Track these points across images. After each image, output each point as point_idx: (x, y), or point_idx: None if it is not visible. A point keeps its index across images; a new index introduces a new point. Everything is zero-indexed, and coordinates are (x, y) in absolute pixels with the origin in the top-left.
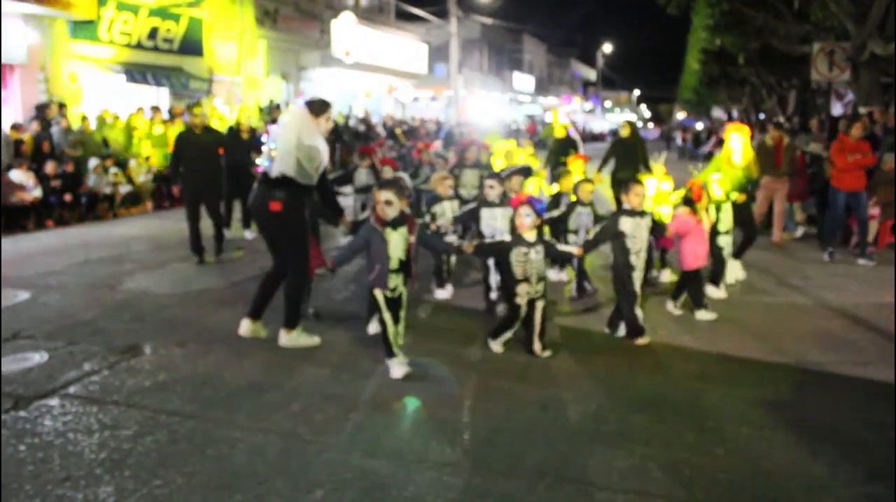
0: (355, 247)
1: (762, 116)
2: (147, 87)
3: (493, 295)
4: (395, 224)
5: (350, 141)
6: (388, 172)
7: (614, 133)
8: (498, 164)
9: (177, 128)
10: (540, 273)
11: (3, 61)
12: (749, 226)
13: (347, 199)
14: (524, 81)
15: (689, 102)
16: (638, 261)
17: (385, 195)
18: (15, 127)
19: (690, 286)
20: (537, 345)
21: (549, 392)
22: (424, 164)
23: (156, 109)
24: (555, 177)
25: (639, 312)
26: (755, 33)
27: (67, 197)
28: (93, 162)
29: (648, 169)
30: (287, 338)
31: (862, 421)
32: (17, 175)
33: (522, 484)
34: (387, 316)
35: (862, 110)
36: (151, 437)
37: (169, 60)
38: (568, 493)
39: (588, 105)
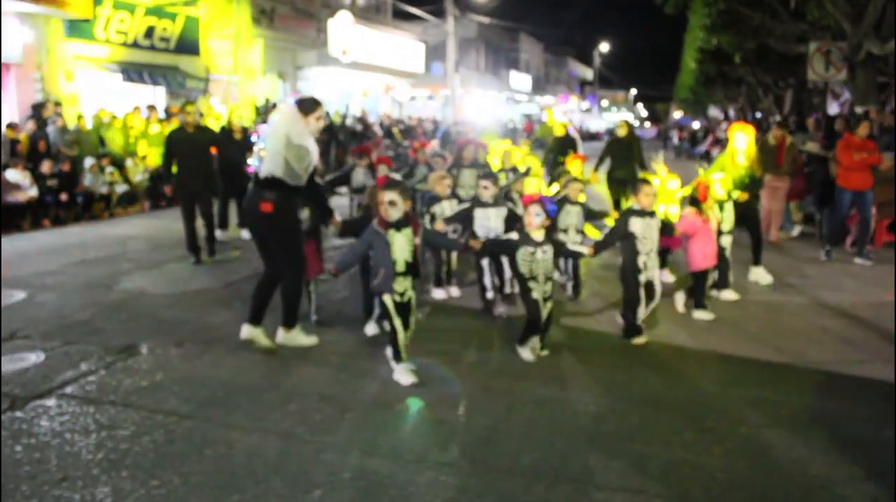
0: (358, 250)
1: (758, 115)
2: (143, 87)
3: (490, 294)
4: (398, 225)
5: (346, 140)
6: (383, 171)
7: (611, 132)
8: (494, 163)
9: (174, 128)
10: (547, 273)
11: None
12: (755, 227)
13: (342, 200)
14: (521, 80)
15: (685, 101)
16: (649, 261)
17: (389, 196)
18: (11, 126)
19: (699, 286)
20: (537, 344)
21: (548, 391)
22: (420, 164)
23: (152, 108)
24: (553, 177)
25: (641, 313)
26: (752, 33)
27: (63, 196)
28: (89, 161)
29: (644, 168)
30: (285, 337)
31: (860, 419)
32: (13, 174)
33: (521, 484)
34: (397, 322)
35: (858, 110)
36: (149, 438)
37: (165, 59)
38: (566, 493)
39: (585, 104)
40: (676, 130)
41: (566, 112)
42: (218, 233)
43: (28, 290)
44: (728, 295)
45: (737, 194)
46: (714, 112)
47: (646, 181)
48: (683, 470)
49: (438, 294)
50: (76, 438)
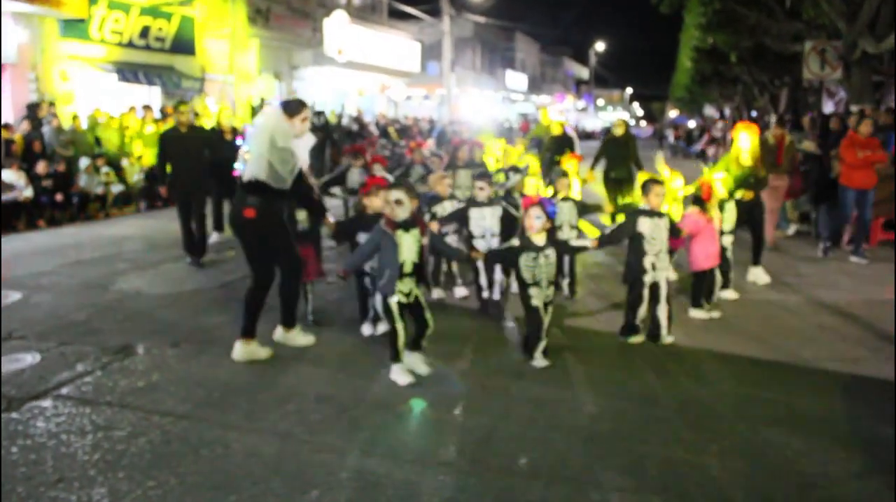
0: (365, 251)
1: (754, 114)
2: (139, 87)
3: (485, 294)
4: (406, 226)
5: (341, 140)
6: (378, 171)
7: (606, 131)
8: (491, 163)
9: (166, 128)
10: (550, 277)
11: None
12: (759, 227)
13: (334, 200)
14: (517, 80)
15: (681, 100)
16: (658, 262)
17: (395, 195)
18: (5, 126)
19: (698, 285)
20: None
21: (545, 391)
22: (416, 163)
23: (147, 108)
24: (551, 178)
25: (641, 313)
26: (747, 32)
27: (59, 197)
28: (84, 161)
29: (640, 167)
30: (283, 336)
31: (857, 417)
32: (8, 175)
33: (518, 483)
34: (399, 325)
35: (853, 108)
36: (145, 438)
37: (161, 59)
38: (564, 492)
39: (581, 103)
40: (672, 129)
41: (563, 111)
42: (214, 236)
43: (24, 291)
44: (728, 294)
45: (741, 193)
46: (710, 111)
47: (657, 181)
48: (681, 468)
49: (435, 294)
50: (72, 439)
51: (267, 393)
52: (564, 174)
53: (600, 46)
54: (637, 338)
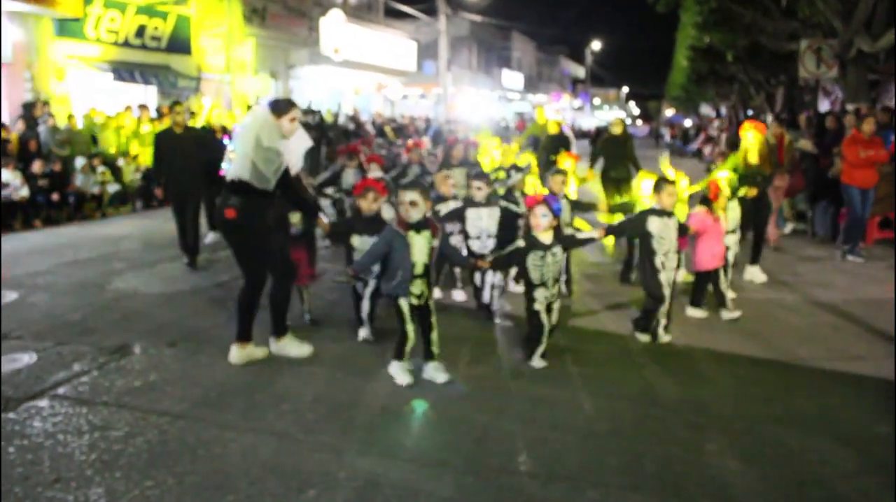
0: (376, 252)
1: (750, 113)
2: (135, 86)
3: (486, 297)
4: (418, 227)
5: (338, 139)
6: (374, 170)
7: (600, 131)
8: (486, 163)
9: (161, 128)
10: (556, 276)
11: None
12: (762, 226)
13: (327, 201)
14: (513, 79)
15: (677, 99)
16: (667, 261)
17: (410, 196)
18: (2, 126)
19: (700, 285)
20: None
21: (543, 390)
22: (413, 163)
23: (144, 108)
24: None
25: (663, 310)
26: (743, 30)
27: (55, 196)
28: (80, 161)
29: (638, 167)
30: (276, 346)
31: (853, 415)
32: (4, 174)
33: (515, 482)
34: (410, 327)
35: (849, 107)
36: (142, 438)
37: (157, 58)
38: (561, 491)
39: (577, 102)
40: (668, 128)
41: (559, 110)
42: (210, 236)
43: (20, 291)
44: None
45: (744, 191)
46: (706, 110)
47: (669, 181)
48: (677, 467)
49: (434, 294)
50: (69, 439)
51: (264, 392)
52: (558, 172)
53: (596, 45)
54: (644, 337)
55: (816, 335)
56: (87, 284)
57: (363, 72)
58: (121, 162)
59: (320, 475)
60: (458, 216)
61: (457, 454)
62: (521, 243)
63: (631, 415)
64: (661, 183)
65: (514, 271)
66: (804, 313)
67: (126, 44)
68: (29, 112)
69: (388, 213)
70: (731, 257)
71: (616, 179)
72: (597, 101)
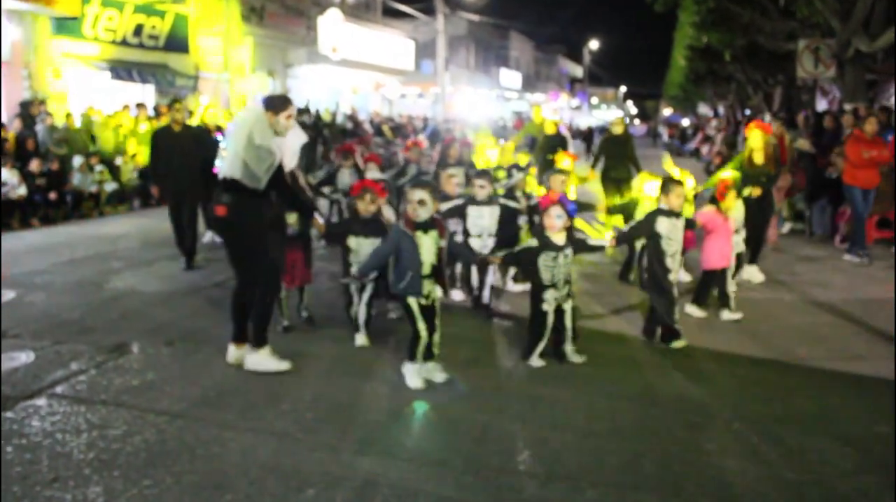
0: (383, 252)
1: (748, 113)
2: (132, 85)
3: (486, 297)
4: (425, 227)
5: (331, 138)
6: (372, 170)
7: (592, 130)
8: (480, 162)
9: (159, 126)
10: (566, 277)
11: None
12: (763, 226)
13: (322, 201)
14: (511, 78)
15: (675, 99)
16: (674, 263)
17: (419, 195)
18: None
19: (706, 284)
20: (569, 348)
21: (541, 389)
22: (412, 162)
23: (141, 107)
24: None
25: (676, 314)
26: (741, 30)
27: (53, 195)
28: (78, 160)
29: (638, 168)
30: (252, 359)
31: (851, 415)
32: (2, 173)
33: (514, 482)
34: (421, 325)
35: (847, 107)
36: (140, 437)
37: (154, 57)
38: (560, 490)
39: (575, 101)
40: (666, 128)
41: (557, 110)
42: (208, 235)
43: (18, 290)
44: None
45: (748, 190)
46: (704, 109)
47: (677, 181)
48: (676, 466)
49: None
50: (67, 438)
51: (262, 392)
52: (559, 172)
53: (594, 45)
54: (680, 343)
55: (816, 335)
56: (84, 283)
57: (361, 71)
58: (118, 161)
59: (319, 474)
60: (459, 212)
61: (456, 453)
62: (533, 242)
63: (630, 415)
64: (669, 183)
65: (512, 270)
66: (803, 313)
67: (124, 42)
68: (26, 110)
69: (386, 214)
70: (733, 257)
71: (616, 179)
72: (594, 100)
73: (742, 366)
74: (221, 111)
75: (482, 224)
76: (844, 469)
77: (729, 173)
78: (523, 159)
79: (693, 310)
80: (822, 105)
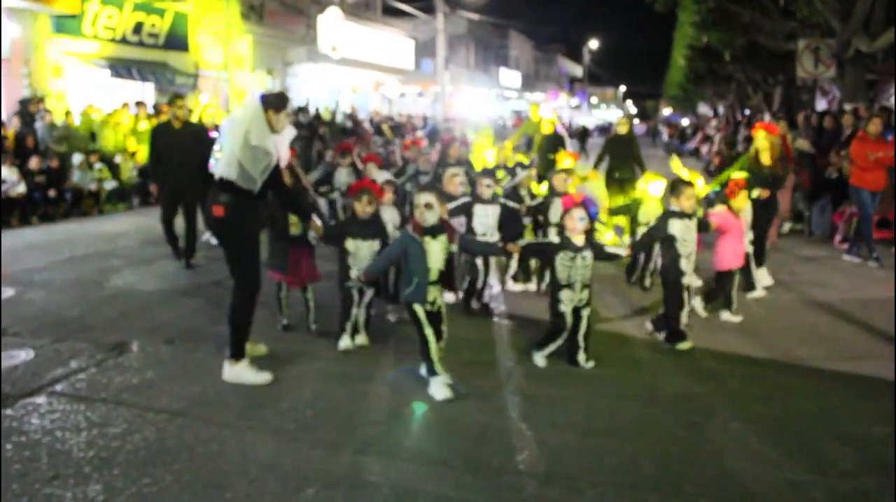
0: (390, 256)
1: (747, 112)
2: (132, 83)
3: (486, 298)
4: (434, 232)
5: (334, 137)
6: (372, 170)
7: (587, 130)
8: (478, 162)
9: (158, 123)
10: (585, 280)
11: None
12: (767, 226)
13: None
14: (511, 77)
15: (675, 98)
16: (688, 264)
17: (425, 198)
18: None
19: (725, 285)
20: (581, 357)
21: (540, 389)
22: (412, 162)
23: (141, 105)
24: (543, 176)
25: (684, 317)
26: (741, 30)
27: (52, 193)
28: (77, 158)
29: (643, 168)
30: (229, 372)
31: (851, 415)
32: (1, 171)
33: (513, 481)
34: (428, 331)
35: (847, 107)
36: (140, 435)
37: (154, 55)
38: (559, 490)
39: (574, 101)
40: (666, 127)
41: (556, 109)
42: (207, 235)
43: (17, 287)
44: (756, 294)
45: (757, 192)
46: (703, 109)
47: (687, 183)
48: (675, 466)
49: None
50: (67, 436)
51: (262, 391)
52: (562, 171)
53: (594, 44)
54: (685, 345)
55: (815, 335)
56: (84, 281)
57: (361, 70)
58: (118, 158)
59: (319, 473)
60: (465, 211)
61: (456, 453)
62: (554, 239)
63: (630, 415)
64: (680, 185)
65: (512, 270)
66: (803, 313)
67: (123, 40)
68: (25, 108)
69: (388, 215)
70: (748, 258)
71: (620, 179)
72: (594, 99)
73: (742, 365)
74: (219, 111)
75: (487, 222)
76: (844, 469)
77: (737, 174)
78: (522, 159)
79: (699, 307)
80: (821, 105)
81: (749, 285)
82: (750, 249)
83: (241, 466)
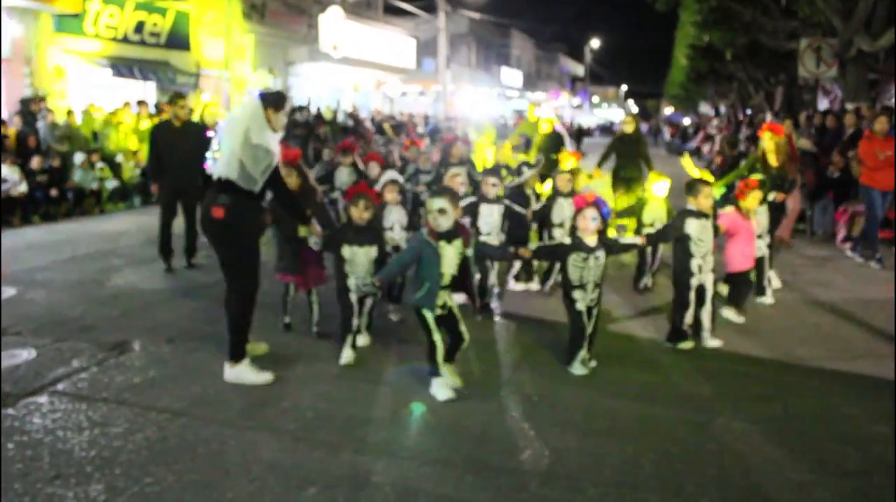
0: (405, 260)
1: (749, 112)
2: (133, 82)
3: (494, 303)
4: (449, 236)
5: (334, 136)
6: (374, 169)
7: (582, 129)
8: (479, 161)
9: (158, 122)
10: (597, 280)
11: None
12: (774, 227)
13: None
14: (512, 76)
15: (676, 98)
16: (704, 264)
17: (438, 203)
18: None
19: (739, 288)
20: (584, 355)
21: (541, 388)
22: (411, 161)
23: (142, 104)
24: (545, 176)
25: (688, 317)
26: (743, 29)
27: (54, 192)
28: (79, 157)
29: (650, 166)
30: (230, 373)
31: (851, 415)
32: (3, 170)
33: (514, 481)
34: (437, 337)
35: (849, 106)
36: (142, 435)
37: (156, 54)
38: (560, 489)
39: (576, 100)
40: (668, 127)
41: (557, 108)
42: None
43: (19, 287)
44: (765, 299)
45: (772, 196)
46: (705, 108)
47: (705, 182)
48: (677, 465)
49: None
50: (69, 435)
51: (263, 390)
52: (566, 172)
53: (595, 43)
54: (687, 344)
55: (816, 334)
56: (85, 281)
57: (362, 69)
58: (120, 158)
59: (320, 473)
60: (471, 211)
61: (457, 452)
62: (566, 240)
63: (630, 414)
64: (698, 184)
65: (514, 269)
66: (804, 312)
67: (125, 40)
68: (27, 107)
69: (395, 216)
70: (762, 262)
71: (627, 179)
72: (595, 99)
73: (742, 365)
74: (220, 111)
75: (492, 222)
76: (844, 469)
77: (754, 176)
78: (527, 159)
79: (732, 316)
80: (823, 104)
81: (760, 289)
82: (766, 253)
83: (243, 466)
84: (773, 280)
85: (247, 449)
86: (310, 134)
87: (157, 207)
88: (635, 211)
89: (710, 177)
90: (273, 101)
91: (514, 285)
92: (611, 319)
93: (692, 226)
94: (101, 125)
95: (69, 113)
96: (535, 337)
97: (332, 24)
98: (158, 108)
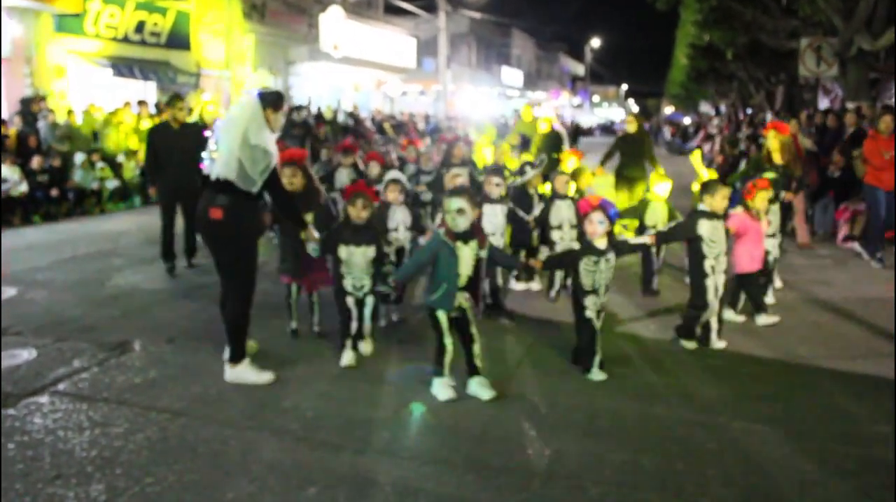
0: (421, 261)
1: (749, 111)
2: (134, 82)
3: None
4: (465, 237)
5: (334, 136)
6: (374, 169)
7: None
8: (478, 161)
9: (156, 124)
10: (608, 283)
11: None
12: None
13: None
14: (513, 76)
15: (676, 97)
16: (717, 265)
17: (457, 203)
18: (0, 121)
19: (750, 289)
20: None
21: (541, 387)
22: (410, 162)
23: (143, 104)
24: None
25: (703, 318)
26: (743, 28)
27: (54, 192)
28: (79, 157)
29: (655, 165)
30: (231, 373)
31: (852, 414)
32: (3, 170)
33: (515, 481)
34: (448, 340)
35: (849, 105)
36: (142, 435)
37: (156, 54)
38: (561, 489)
39: (576, 100)
40: (668, 126)
41: (557, 108)
42: None
43: (19, 287)
44: (767, 299)
45: (785, 195)
46: (705, 108)
47: (721, 183)
48: (677, 465)
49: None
50: (69, 436)
51: (264, 390)
52: (562, 174)
53: (596, 43)
54: (690, 344)
55: (817, 334)
56: (86, 280)
57: (362, 68)
58: (120, 158)
59: (321, 473)
60: None
61: (457, 452)
62: (575, 246)
63: (631, 414)
64: (715, 184)
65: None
66: (804, 312)
67: (125, 39)
68: (27, 107)
69: (400, 215)
70: (773, 262)
71: (630, 178)
72: (596, 98)
73: (743, 364)
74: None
75: (496, 222)
76: (844, 469)
77: (767, 174)
78: (529, 158)
79: (763, 320)
80: (824, 104)
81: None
82: (777, 253)
83: (243, 466)
84: (775, 280)
85: (247, 449)
86: (307, 133)
87: (158, 208)
88: (638, 211)
89: (715, 177)
90: (272, 100)
91: (514, 285)
92: (612, 319)
93: (704, 228)
94: (101, 125)
95: (70, 113)
96: (536, 336)
97: (333, 23)
98: (159, 108)
